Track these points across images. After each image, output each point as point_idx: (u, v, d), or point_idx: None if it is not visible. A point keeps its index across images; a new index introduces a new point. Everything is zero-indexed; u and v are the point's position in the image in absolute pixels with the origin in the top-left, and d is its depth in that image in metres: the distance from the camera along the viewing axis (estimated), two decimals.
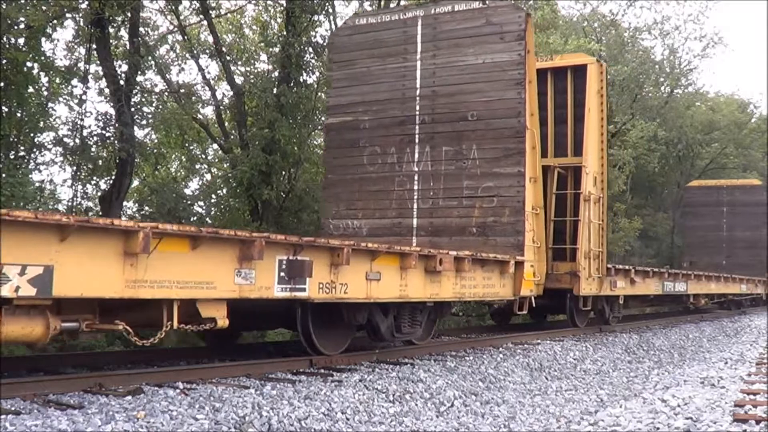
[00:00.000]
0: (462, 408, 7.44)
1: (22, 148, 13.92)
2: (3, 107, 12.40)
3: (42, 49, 13.27)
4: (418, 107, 11.89)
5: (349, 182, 12.36)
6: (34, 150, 14.22)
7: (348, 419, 6.26)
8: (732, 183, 30.74)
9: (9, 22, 11.70)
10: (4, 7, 11.31)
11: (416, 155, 11.83)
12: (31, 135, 13.98)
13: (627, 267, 15.41)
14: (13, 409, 5.38)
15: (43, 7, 12.39)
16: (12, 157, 13.36)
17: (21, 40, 12.67)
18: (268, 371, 7.78)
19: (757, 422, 6.01)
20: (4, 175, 11.53)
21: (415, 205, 11.74)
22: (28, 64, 12.83)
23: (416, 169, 11.80)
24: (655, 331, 15.84)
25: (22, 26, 12.35)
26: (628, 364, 11.84)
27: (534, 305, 11.66)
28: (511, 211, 10.99)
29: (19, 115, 13.27)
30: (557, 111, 14.71)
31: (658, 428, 6.05)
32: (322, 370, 8.09)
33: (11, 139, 13.44)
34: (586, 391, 9.12)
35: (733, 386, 8.14)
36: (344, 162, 12.47)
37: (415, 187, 11.79)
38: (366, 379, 7.52)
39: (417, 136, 11.86)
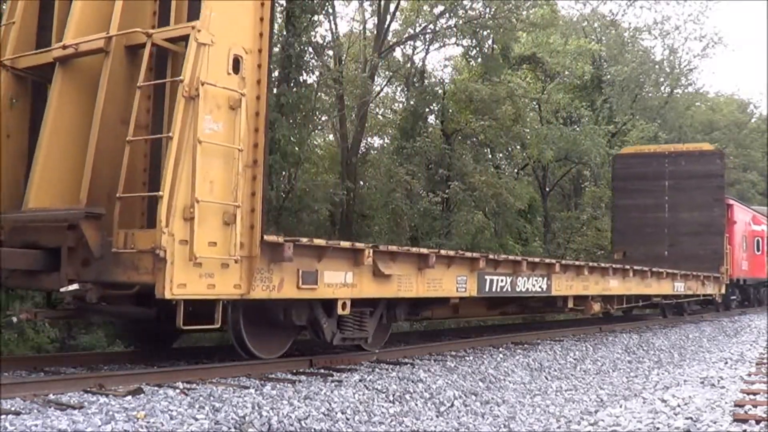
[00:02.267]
0: (462, 408, 7.44)
1: None
2: None
3: None
4: None
5: None
6: None
7: (348, 419, 6.26)
8: (676, 149, 23.07)
9: None
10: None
11: None
12: None
13: (358, 245, 8.35)
14: (13, 409, 5.39)
15: None
16: None
17: None
18: (268, 371, 7.78)
19: (757, 422, 6.02)
20: None
21: None
22: None
23: None
24: (655, 331, 15.83)
25: None
26: (628, 364, 11.84)
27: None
28: None
29: None
30: None
31: (658, 428, 6.05)
32: (322, 370, 8.09)
33: None
34: (586, 391, 9.12)
35: (733, 386, 8.14)
36: None
37: None
38: (366, 379, 7.52)
39: None
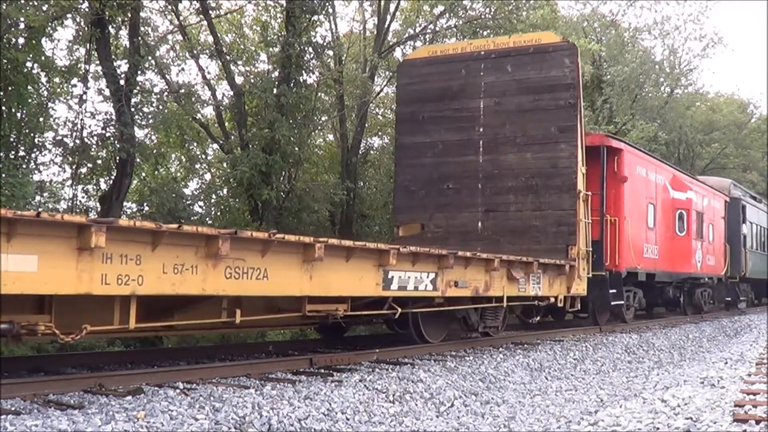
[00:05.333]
0: (462, 408, 7.44)
1: (22, 148, 13.94)
2: (3, 107, 12.42)
3: (42, 49, 13.30)
4: None
5: None
6: (34, 150, 14.24)
7: (348, 419, 6.26)
8: (498, 45, 13.00)
9: (9, 22, 11.73)
10: (4, 7, 11.32)
11: None
12: (31, 135, 14.00)
13: None
14: (13, 409, 5.39)
15: (44, 7, 12.42)
16: (12, 157, 13.38)
17: (21, 40, 12.70)
18: (268, 371, 7.79)
19: (757, 422, 6.01)
20: (3, 175, 11.54)
21: None
22: (28, 64, 12.86)
23: None
24: (655, 331, 15.83)
25: (21, 26, 12.38)
26: (628, 364, 11.84)
27: None
28: None
29: (19, 115, 13.29)
30: None
31: (658, 428, 6.05)
32: (322, 370, 8.10)
33: (11, 139, 13.46)
34: (586, 391, 9.11)
35: (733, 386, 8.13)
36: None
37: None
38: (366, 379, 7.52)
39: None
